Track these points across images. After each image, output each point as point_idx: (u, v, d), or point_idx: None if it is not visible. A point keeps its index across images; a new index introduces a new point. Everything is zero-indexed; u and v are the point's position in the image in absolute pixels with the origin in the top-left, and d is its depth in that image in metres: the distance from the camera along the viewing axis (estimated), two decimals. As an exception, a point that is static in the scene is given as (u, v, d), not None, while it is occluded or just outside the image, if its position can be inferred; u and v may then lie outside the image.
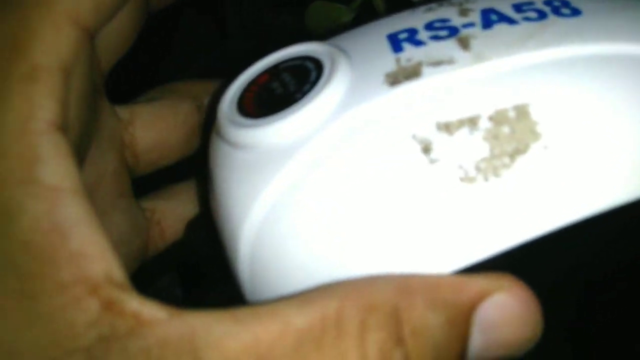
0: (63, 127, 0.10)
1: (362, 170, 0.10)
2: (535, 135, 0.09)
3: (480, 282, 0.10)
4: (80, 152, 0.12)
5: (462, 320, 0.10)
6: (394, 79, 0.10)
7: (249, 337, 0.09)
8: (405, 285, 0.10)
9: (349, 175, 0.10)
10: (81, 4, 0.11)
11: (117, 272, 0.10)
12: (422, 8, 0.12)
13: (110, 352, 0.09)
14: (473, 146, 0.09)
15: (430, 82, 0.10)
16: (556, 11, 0.10)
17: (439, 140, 0.10)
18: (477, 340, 0.10)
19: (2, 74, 0.10)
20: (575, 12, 0.10)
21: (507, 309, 0.10)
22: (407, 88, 0.10)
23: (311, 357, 0.09)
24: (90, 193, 0.12)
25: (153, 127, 0.16)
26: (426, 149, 0.10)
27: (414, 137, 0.10)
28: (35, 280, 0.09)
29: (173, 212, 0.17)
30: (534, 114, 0.09)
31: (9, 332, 0.09)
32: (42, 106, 0.10)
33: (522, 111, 0.09)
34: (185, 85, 0.18)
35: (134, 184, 0.16)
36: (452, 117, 0.10)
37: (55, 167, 0.10)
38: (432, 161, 0.10)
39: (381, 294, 0.10)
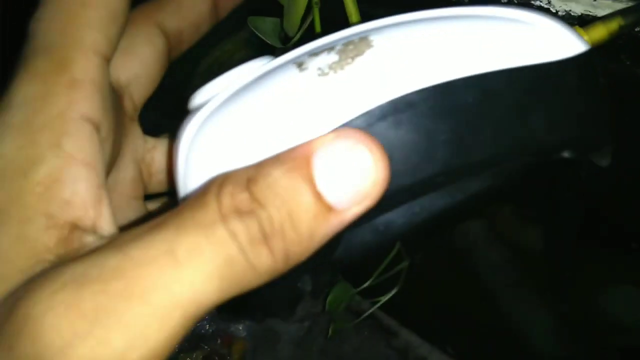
0: (93, 123, 0.14)
1: (261, 84, 0.15)
2: (369, 47, 0.14)
3: (317, 138, 0.12)
4: (107, 151, 0.16)
5: (301, 166, 0.12)
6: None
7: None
8: (257, 163, 0.12)
9: (252, 90, 0.15)
10: (98, 39, 0.15)
11: (102, 222, 0.14)
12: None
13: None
14: (328, 57, 0.14)
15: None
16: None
17: (308, 60, 0.14)
18: (323, 183, 0.12)
19: (52, 82, 0.14)
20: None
21: (345, 151, 0.12)
22: (295, 52, 0.15)
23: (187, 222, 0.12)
24: (112, 186, 0.18)
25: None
26: (299, 65, 0.14)
27: (294, 63, 0.14)
28: (27, 210, 0.13)
29: None
30: (371, 38, 0.14)
31: None
32: (78, 104, 0.14)
33: (363, 37, 0.14)
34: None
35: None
36: (319, 49, 0.14)
37: (77, 142, 0.14)
38: (302, 70, 0.14)
39: (238, 169, 0.12)
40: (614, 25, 0.18)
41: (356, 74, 0.13)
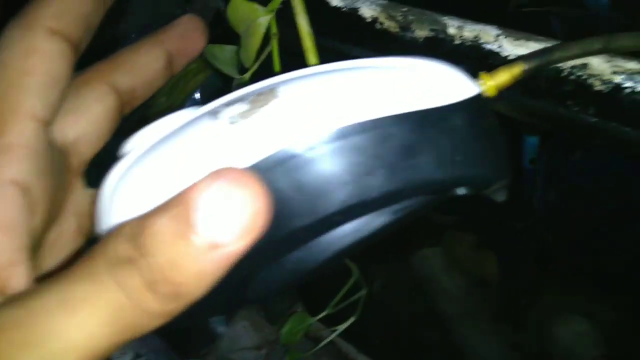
0: (21, 187, 0.15)
1: (178, 133, 0.15)
2: (275, 97, 0.15)
3: (199, 181, 0.13)
4: (41, 211, 0.17)
5: (183, 211, 0.12)
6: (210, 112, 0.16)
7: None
8: (145, 213, 0.13)
9: (170, 139, 0.15)
10: (36, 105, 0.16)
11: (14, 282, 0.15)
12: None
13: None
14: (240, 107, 0.15)
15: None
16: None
17: (223, 109, 0.15)
18: (203, 223, 0.12)
19: None
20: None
21: (221, 190, 0.12)
22: (216, 102, 0.16)
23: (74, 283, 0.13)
24: (54, 240, 0.19)
25: None
26: (214, 113, 0.15)
27: (209, 112, 0.15)
28: None
29: None
30: (278, 89, 0.15)
31: None
32: (6, 168, 0.15)
33: (272, 88, 0.15)
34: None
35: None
36: (235, 99, 0.15)
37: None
38: (215, 119, 0.15)
39: (125, 224, 0.13)
40: (517, 70, 0.19)
41: (259, 122, 0.14)
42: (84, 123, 0.19)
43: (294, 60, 0.27)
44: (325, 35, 0.26)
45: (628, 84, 0.21)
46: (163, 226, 0.12)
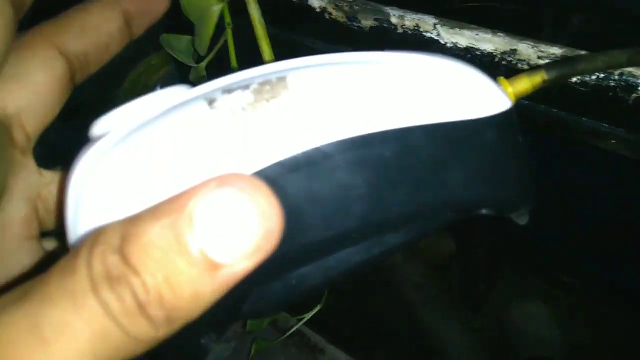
0: None
1: (166, 119, 0.13)
2: (285, 88, 0.13)
3: (200, 185, 0.11)
4: None
5: (180, 220, 0.10)
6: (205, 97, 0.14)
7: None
8: (135, 215, 0.11)
9: (156, 124, 0.13)
10: None
11: None
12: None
13: None
14: (242, 96, 0.13)
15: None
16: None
17: (221, 97, 0.13)
18: (205, 237, 0.10)
19: None
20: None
21: (228, 200, 0.10)
22: (208, 86, 0.14)
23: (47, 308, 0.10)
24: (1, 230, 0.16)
25: None
26: (210, 102, 0.13)
27: (204, 98, 0.13)
28: None
29: None
30: (288, 80, 0.13)
31: None
32: None
33: (280, 78, 0.13)
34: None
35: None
36: (234, 86, 0.13)
37: None
38: (213, 107, 0.13)
39: (113, 225, 0.11)
40: (537, 79, 0.18)
41: (270, 118, 0.12)
42: (28, 92, 0.16)
43: (249, 50, 0.28)
44: (277, 24, 0.27)
45: (552, 67, 0.22)
46: (156, 237, 0.10)
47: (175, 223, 0.10)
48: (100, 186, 0.13)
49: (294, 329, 0.49)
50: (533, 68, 0.20)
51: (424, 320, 0.48)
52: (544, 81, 0.18)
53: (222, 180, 0.11)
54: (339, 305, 0.48)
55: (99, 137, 0.14)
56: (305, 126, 0.12)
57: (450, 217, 0.16)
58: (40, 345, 0.10)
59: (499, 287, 0.45)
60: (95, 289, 0.10)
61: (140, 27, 0.19)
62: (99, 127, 0.14)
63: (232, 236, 0.10)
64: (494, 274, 0.44)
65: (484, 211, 0.16)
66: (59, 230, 0.18)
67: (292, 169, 0.12)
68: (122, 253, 0.10)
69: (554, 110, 0.24)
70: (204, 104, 0.13)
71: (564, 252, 0.44)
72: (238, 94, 0.13)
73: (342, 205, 0.13)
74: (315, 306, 0.47)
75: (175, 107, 0.13)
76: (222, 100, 0.13)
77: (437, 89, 0.14)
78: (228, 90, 0.13)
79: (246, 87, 0.13)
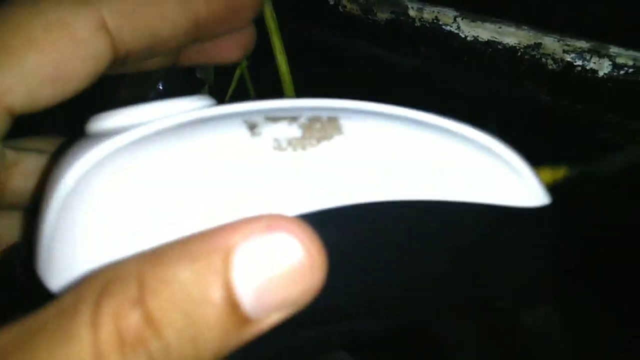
0: None
1: (198, 134, 0.11)
2: (339, 132, 0.12)
3: (243, 224, 0.09)
4: None
5: (218, 265, 0.09)
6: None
7: None
8: (153, 252, 0.09)
9: (185, 137, 0.11)
10: None
11: None
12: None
13: None
14: (289, 130, 0.11)
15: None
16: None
17: (264, 124, 0.11)
18: (242, 287, 0.09)
19: None
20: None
21: (275, 246, 0.09)
22: (244, 107, 0.12)
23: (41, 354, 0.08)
24: None
25: (29, 178, 0.16)
26: (252, 127, 0.11)
27: (244, 121, 0.11)
28: None
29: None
30: (341, 122, 0.12)
31: None
32: None
33: (332, 118, 0.12)
34: None
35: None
36: (278, 114, 0.12)
37: None
38: (255, 134, 0.11)
39: (125, 265, 0.09)
40: (559, 174, 0.17)
41: (319, 161, 0.11)
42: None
43: (259, 44, 0.27)
44: (289, 17, 0.26)
45: (578, 62, 0.21)
46: (190, 284, 0.09)
47: (212, 267, 0.09)
48: (101, 200, 0.10)
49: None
50: (556, 165, 0.20)
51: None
52: (565, 177, 0.18)
53: (272, 221, 0.09)
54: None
55: (100, 136, 0.11)
56: (355, 177, 0.11)
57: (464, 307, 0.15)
58: None
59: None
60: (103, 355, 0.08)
61: (209, 35, 0.16)
62: (101, 123, 0.12)
63: (271, 289, 0.09)
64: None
65: (500, 304, 0.15)
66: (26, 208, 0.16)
67: (333, 221, 0.11)
68: (144, 305, 0.08)
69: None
70: (243, 127, 0.11)
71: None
72: (284, 125, 0.11)
73: (372, 271, 0.11)
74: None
75: (208, 121, 0.12)
76: (265, 128, 0.11)
77: (487, 171, 0.13)
78: (273, 118, 0.12)
79: (294, 119, 0.12)
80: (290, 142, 0.11)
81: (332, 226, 0.11)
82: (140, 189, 0.10)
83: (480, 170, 0.12)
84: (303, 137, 0.11)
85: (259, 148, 0.11)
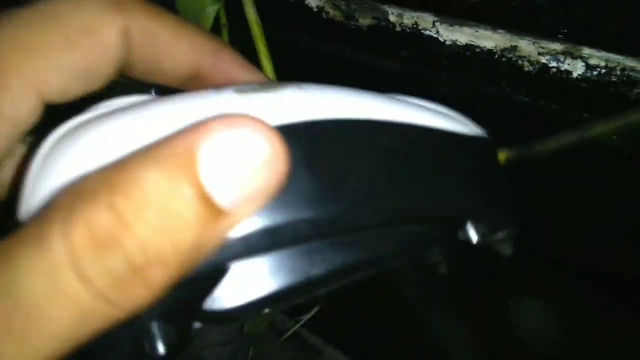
0: None
1: (159, 101, 0.13)
2: (295, 86, 0.13)
3: (202, 124, 0.09)
4: None
5: (185, 163, 0.09)
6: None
7: None
8: (119, 160, 0.09)
9: (149, 104, 0.13)
10: None
11: None
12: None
13: None
14: (250, 87, 0.13)
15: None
16: None
17: (230, 89, 0.13)
18: (211, 180, 0.09)
19: None
20: None
21: (239, 140, 0.09)
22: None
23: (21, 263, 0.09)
24: None
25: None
26: (218, 90, 0.13)
27: (214, 89, 0.13)
28: None
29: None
30: (289, 85, 0.13)
31: None
32: None
33: (283, 84, 0.13)
34: None
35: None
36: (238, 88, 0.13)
37: None
38: (218, 92, 0.13)
39: (93, 174, 0.09)
40: (501, 156, 0.22)
41: (276, 95, 0.13)
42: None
43: (245, 50, 0.27)
44: (273, 24, 0.27)
45: (553, 64, 0.22)
46: (156, 183, 0.09)
47: (178, 166, 0.09)
48: (77, 138, 0.12)
49: (291, 330, 0.49)
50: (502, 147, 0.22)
51: (424, 320, 0.48)
52: (507, 159, 0.22)
53: (229, 119, 0.09)
54: (337, 307, 0.47)
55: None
56: (309, 103, 0.13)
57: (436, 233, 0.16)
58: (11, 342, 0.09)
59: (501, 285, 0.45)
60: (76, 265, 0.09)
61: (201, 85, 0.16)
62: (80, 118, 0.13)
63: (239, 179, 0.09)
64: (497, 271, 0.44)
65: (468, 231, 0.16)
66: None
67: (296, 135, 0.12)
68: (114, 208, 0.09)
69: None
70: (211, 90, 0.13)
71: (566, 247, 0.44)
72: (246, 88, 0.13)
73: (338, 183, 0.12)
74: (313, 308, 0.46)
75: (171, 98, 0.13)
76: (228, 88, 0.13)
77: (434, 109, 0.16)
78: (238, 89, 0.13)
79: (252, 88, 0.13)
80: (251, 89, 0.13)
81: (300, 139, 0.12)
82: (110, 131, 0.12)
83: (439, 113, 0.15)
84: (262, 87, 0.13)
85: (224, 93, 0.12)
